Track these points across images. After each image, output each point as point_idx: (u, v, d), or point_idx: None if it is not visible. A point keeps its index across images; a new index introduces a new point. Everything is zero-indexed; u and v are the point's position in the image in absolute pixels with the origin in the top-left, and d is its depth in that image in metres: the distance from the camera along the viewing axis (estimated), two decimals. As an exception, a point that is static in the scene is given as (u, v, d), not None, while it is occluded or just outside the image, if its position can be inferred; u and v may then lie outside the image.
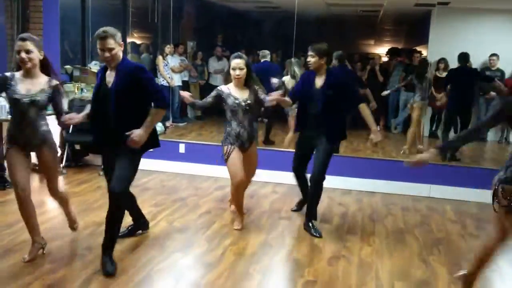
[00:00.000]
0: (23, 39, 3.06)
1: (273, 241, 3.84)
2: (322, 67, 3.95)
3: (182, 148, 5.83)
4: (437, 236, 4.15)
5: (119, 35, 3.08)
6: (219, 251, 3.55)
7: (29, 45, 3.04)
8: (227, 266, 3.30)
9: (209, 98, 3.87)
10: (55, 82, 3.19)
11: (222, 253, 3.52)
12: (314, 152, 4.07)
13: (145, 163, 5.72)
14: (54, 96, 3.17)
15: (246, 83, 3.82)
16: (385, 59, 9.56)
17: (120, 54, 3.07)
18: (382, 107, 8.31)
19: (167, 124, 7.31)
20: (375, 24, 10.43)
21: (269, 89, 4.76)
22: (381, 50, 10.91)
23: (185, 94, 3.89)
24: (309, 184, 4.14)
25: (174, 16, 7.83)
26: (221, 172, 5.63)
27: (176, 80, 7.75)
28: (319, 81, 3.98)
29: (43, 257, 3.28)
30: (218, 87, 3.86)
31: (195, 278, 3.14)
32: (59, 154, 5.85)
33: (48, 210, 4.43)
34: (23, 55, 3.03)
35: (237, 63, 3.75)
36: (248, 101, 3.80)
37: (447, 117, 6.71)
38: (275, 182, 5.57)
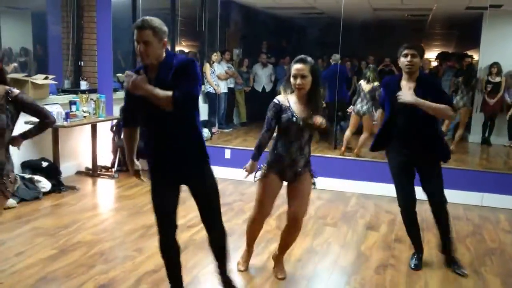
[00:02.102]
0: None
1: (318, 247, 3.82)
2: (417, 71, 3.30)
3: (228, 154, 5.91)
4: (490, 246, 4.00)
5: (164, 29, 2.49)
6: (264, 256, 3.57)
7: None
8: (272, 272, 3.31)
9: (271, 123, 2.98)
10: (15, 92, 2.58)
11: (268, 258, 3.54)
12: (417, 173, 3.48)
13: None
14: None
15: (310, 95, 2.92)
16: (434, 63, 9.33)
17: (161, 54, 2.47)
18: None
19: (213, 130, 7.43)
20: (424, 28, 10.20)
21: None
22: (430, 55, 10.65)
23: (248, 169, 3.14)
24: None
25: (221, 24, 7.97)
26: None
27: (222, 87, 7.87)
28: (408, 86, 3.29)
29: (95, 258, 3.42)
30: (275, 99, 2.98)
31: (241, 282, 3.17)
32: (109, 160, 6.08)
33: (101, 212, 4.61)
34: None
35: (299, 69, 2.84)
36: (308, 120, 2.88)
37: None
38: (320, 189, 5.52)
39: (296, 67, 2.85)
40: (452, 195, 5.19)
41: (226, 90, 7.96)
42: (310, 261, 3.56)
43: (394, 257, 3.66)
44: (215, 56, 7.81)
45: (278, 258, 3.32)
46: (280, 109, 2.94)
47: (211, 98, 7.79)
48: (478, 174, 5.41)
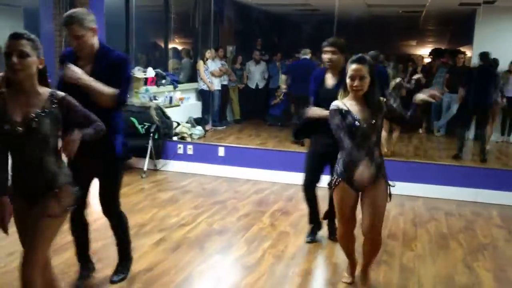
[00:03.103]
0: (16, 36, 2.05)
1: (312, 244, 3.83)
2: (339, 65, 3.47)
3: (221, 151, 5.90)
4: (482, 241, 4.02)
5: (90, 18, 2.50)
6: (258, 254, 3.57)
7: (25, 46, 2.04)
8: (266, 269, 3.31)
9: (337, 130, 2.75)
10: (60, 94, 2.20)
11: (261, 255, 3.54)
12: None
13: (185, 166, 5.95)
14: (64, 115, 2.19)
15: (368, 96, 2.72)
16: (428, 60, 9.36)
17: (94, 42, 2.54)
18: (424, 110, 8.13)
19: (207, 127, 7.42)
20: (417, 24, 10.21)
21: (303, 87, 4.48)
22: (424, 51, 10.67)
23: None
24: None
25: (215, 21, 7.96)
26: (260, 175, 5.68)
27: (216, 84, 7.86)
28: (330, 80, 3.53)
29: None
30: (332, 105, 2.79)
31: (234, 280, 3.17)
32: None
33: (92, 211, 4.59)
34: (15, 59, 2.02)
35: (357, 70, 2.65)
36: (372, 121, 2.70)
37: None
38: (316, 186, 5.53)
39: (353, 67, 2.66)
40: (445, 191, 5.25)
41: (219, 87, 7.95)
42: (304, 258, 3.56)
43: (387, 253, 3.67)
44: (208, 53, 7.79)
45: (363, 274, 3.08)
46: (342, 114, 2.73)
47: (205, 96, 7.78)
48: (471, 170, 5.44)
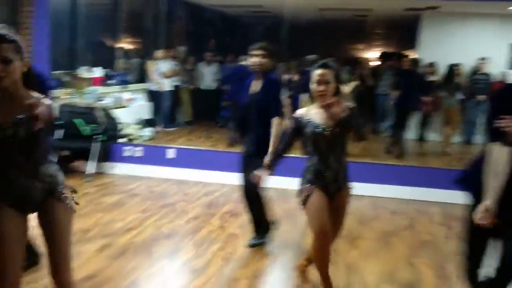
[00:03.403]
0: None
1: (260, 245, 3.84)
2: (267, 70, 3.46)
3: (171, 153, 5.82)
4: (424, 238, 4.17)
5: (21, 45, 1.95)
6: (207, 257, 3.55)
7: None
8: (215, 272, 3.30)
9: (289, 135, 2.89)
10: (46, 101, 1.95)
11: (210, 258, 3.52)
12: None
13: (133, 169, 5.83)
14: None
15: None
16: (377, 62, 9.62)
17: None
18: (371, 111, 8.38)
19: (157, 129, 7.31)
20: (365, 28, 10.50)
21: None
22: (372, 54, 10.97)
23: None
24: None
25: (165, 21, 7.85)
26: (210, 177, 5.65)
27: (167, 85, 7.75)
28: (255, 85, 3.52)
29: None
30: (295, 113, 2.81)
31: (182, 284, 3.14)
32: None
33: (33, 217, 4.41)
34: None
35: (322, 75, 2.65)
36: (337, 128, 2.70)
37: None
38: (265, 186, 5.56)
39: (318, 72, 2.65)
40: (390, 190, 5.41)
41: (170, 88, 7.85)
42: (252, 259, 3.57)
43: (333, 252, 3.72)
44: (159, 53, 7.67)
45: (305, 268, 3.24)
46: (300, 124, 2.76)
47: (155, 96, 7.66)
48: (414, 169, 5.65)
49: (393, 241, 4.07)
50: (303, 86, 6.34)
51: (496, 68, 7.50)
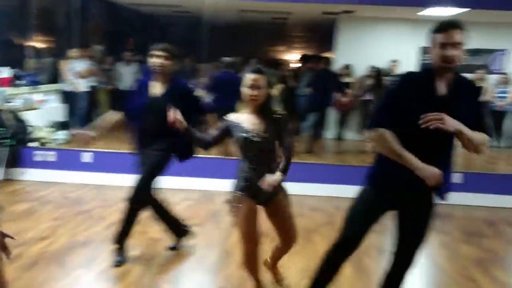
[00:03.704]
0: None
1: (183, 249, 3.77)
2: (169, 72, 3.33)
3: (88, 157, 5.55)
4: (342, 234, 4.31)
5: None
6: (126, 264, 3.41)
7: None
8: (134, 279, 3.18)
9: (215, 131, 2.79)
10: None
11: (129, 265, 3.39)
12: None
13: (45, 175, 5.48)
14: None
15: (264, 108, 2.69)
16: (297, 65, 9.86)
17: None
18: (292, 111, 8.57)
19: (72, 132, 6.94)
20: (285, 31, 10.73)
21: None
22: (293, 56, 11.24)
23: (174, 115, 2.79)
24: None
25: (80, 19, 7.50)
26: (130, 181, 5.44)
27: (82, 86, 7.38)
28: (156, 87, 3.34)
29: None
30: (226, 117, 2.74)
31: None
32: None
33: None
34: None
35: (255, 80, 2.62)
36: (267, 134, 2.67)
37: None
38: (188, 189, 5.49)
39: (252, 77, 2.62)
40: (310, 188, 5.55)
41: (86, 89, 7.49)
42: (174, 264, 3.49)
43: (256, 252, 3.75)
44: (74, 53, 7.30)
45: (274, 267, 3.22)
46: (230, 128, 2.70)
47: (70, 97, 7.27)
48: (332, 167, 5.84)
49: (314, 237, 4.17)
50: (212, 88, 6.28)
51: (407, 70, 7.94)
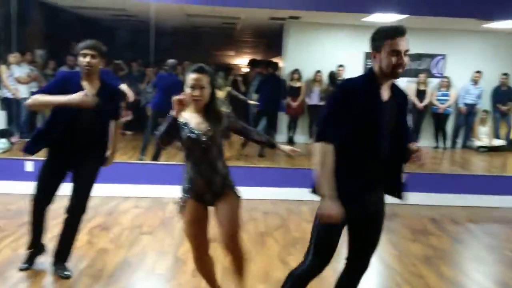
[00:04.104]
0: None
1: (133, 258, 3.66)
2: (97, 71, 3.15)
3: (30, 166, 5.29)
4: (294, 236, 4.35)
5: None
6: (73, 276, 3.26)
7: None
8: (82, 291, 3.05)
9: (163, 127, 2.58)
10: None
11: (77, 277, 3.25)
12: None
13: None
14: None
15: (209, 108, 2.63)
16: (246, 69, 9.89)
17: None
18: (243, 116, 8.58)
19: (13, 140, 6.61)
20: (234, 36, 10.73)
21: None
22: (242, 61, 11.27)
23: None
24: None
25: (18, 22, 7.15)
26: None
27: (23, 92, 7.05)
28: (88, 89, 3.11)
29: None
30: (171, 113, 2.55)
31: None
32: None
33: None
34: None
35: (197, 79, 2.53)
36: (211, 133, 2.60)
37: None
38: (137, 196, 5.35)
39: (193, 77, 2.52)
40: (262, 192, 5.57)
41: (27, 95, 7.15)
42: (124, 274, 3.38)
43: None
44: (13, 57, 6.96)
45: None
46: (176, 124, 2.55)
47: (9, 104, 6.93)
48: (285, 171, 5.89)
49: (267, 241, 4.17)
50: (155, 85, 6.47)
51: (353, 75, 8.16)
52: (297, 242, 4.18)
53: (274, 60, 8.90)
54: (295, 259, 3.73)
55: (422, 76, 8.34)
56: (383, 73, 2.22)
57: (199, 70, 2.55)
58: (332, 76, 8.41)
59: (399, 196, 2.42)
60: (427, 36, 7.97)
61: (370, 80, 2.27)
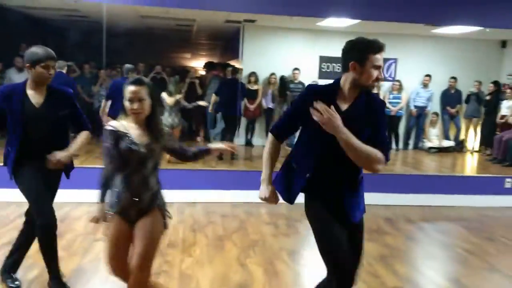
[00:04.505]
0: None
1: (87, 265, 3.55)
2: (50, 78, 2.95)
3: None
4: (253, 238, 4.34)
5: None
6: (22, 286, 3.12)
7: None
8: (32, 302, 2.91)
9: (113, 153, 2.43)
10: None
11: (27, 287, 3.11)
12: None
13: None
14: None
15: (150, 120, 2.49)
16: (202, 72, 9.84)
17: None
18: (201, 119, 8.52)
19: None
20: (190, 38, 10.65)
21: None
22: (198, 64, 11.21)
23: None
24: None
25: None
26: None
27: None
28: (38, 96, 2.94)
29: None
30: (108, 126, 2.46)
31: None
32: None
33: None
34: None
35: (135, 92, 2.40)
36: (151, 146, 2.45)
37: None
38: (91, 202, 5.15)
39: (131, 89, 2.39)
40: (221, 195, 5.54)
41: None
42: (79, 282, 3.26)
43: (167, 263, 3.64)
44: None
45: None
46: (117, 136, 2.41)
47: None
48: (243, 173, 5.88)
49: (226, 244, 4.15)
50: (109, 96, 6.12)
51: (308, 78, 8.29)
52: (256, 244, 4.17)
53: (231, 63, 8.90)
54: (254, 262, 3.75)
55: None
56: (358, 84, 2.23)
57: (136, 82, 2.43)
58: (283, 80, 8.51)
59: (348, 219, 2.32)
60: (380, 40, 8.19)
61: (332, 89, 2.29)
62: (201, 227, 4.59)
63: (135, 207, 2.45)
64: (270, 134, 2.46)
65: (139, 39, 9.54)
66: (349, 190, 2.33)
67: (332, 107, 2.14)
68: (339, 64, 9.31)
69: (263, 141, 8.23)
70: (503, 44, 9.07)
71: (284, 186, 2.42)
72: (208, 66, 9.38)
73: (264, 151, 2.46)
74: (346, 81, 2.26)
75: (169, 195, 5.52)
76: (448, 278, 3.75)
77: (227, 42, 10.65)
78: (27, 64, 2.88)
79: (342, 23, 6.74)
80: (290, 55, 8.66)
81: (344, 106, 2.25)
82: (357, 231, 2.39)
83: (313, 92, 2.31)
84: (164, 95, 6.45)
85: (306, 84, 8.40)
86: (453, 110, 8.84)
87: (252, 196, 5.49)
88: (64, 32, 9.28)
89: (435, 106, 8.91)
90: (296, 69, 8.42)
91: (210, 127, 8.29)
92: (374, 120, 2.26)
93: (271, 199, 2.40)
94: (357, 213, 2.34)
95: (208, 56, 11.99)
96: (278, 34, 8.59)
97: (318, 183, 2.30)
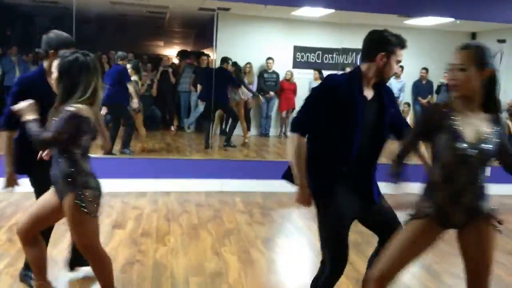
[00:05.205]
0: None
1: (59, 256, 3.47)
2: None
3: None
4: (228, 227, 4.34)
5: None
6: (-8, 279, 3.04)
7: None
8: (1, 293, 2.84)
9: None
10: None
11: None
12: None
13: None
14: None
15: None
16: (175, 60, 9.70)
17: None
18: (175, 108, 8.43)
19: None
20: (163, 25, 10.47)
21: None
22: (172, 52, 11.04)
23: None
24: None
25: None
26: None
27: None
28: None
29: None
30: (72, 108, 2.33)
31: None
32: None
33: None
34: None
35: None
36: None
37: None
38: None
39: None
40: (195, 184, 5.51)
41: None
42: (49, 272, 3.18)
43: (141, 252, 3.60)
44: None
45: None
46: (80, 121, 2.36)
47: None
48: (217, 162, 5.86)
49: (200, 233, 4.13)
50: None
51: (283, 67, 8.28)
52: (231, 233, 4.17)
53: (205, 51, 8.81)
54: (229, 250, 3.75)
55: (348, 70, 8.61)
56: (379, 75, 2.30)
57: None
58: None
59: (371, 201, 2.49)
60: (353, 31, 8.22)
61: (355, 78, 2.31)
62: (175, 216, 4.56)
63: (59, 188, 2.49)
64: (295, 134, 2.30)
65: (111, 26, 9.32)
66: (375, 176, 2.47)
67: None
68: (313, 54, 9.39)
69: (238, 131, 8.22)
70: (473, 36, 9.26)
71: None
72: (181, 54, 9.26)
73: (291, 153, 2.29)
74: (369, 70, 2.31)
75: (143, 184, 5.51)
76: (420, 265, 3.82)
77: (201, 30, 10.52)
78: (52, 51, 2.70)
79: (317, 13, 6.74)
80: (264, 45, 8.62)
81: (369, 94, 2.32)
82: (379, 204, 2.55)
83: (338, 82, 2.30)
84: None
85: (280, 73, 8.44)
86: (424, 101, 8.99)
87: (227, 185, 5.54)
88: (32, 18, 8.99)
89: (406, 97, 9.04)
90: (269, 58, 8.40)
91: (184, 116, 8.22)
92: (395, 106, 2.50)
93: (310, 203, 2.37)
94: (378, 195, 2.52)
95: (182, 44, 11.82)
96: (253, 23, 8.53)
97: (350, 173, 2.34)
